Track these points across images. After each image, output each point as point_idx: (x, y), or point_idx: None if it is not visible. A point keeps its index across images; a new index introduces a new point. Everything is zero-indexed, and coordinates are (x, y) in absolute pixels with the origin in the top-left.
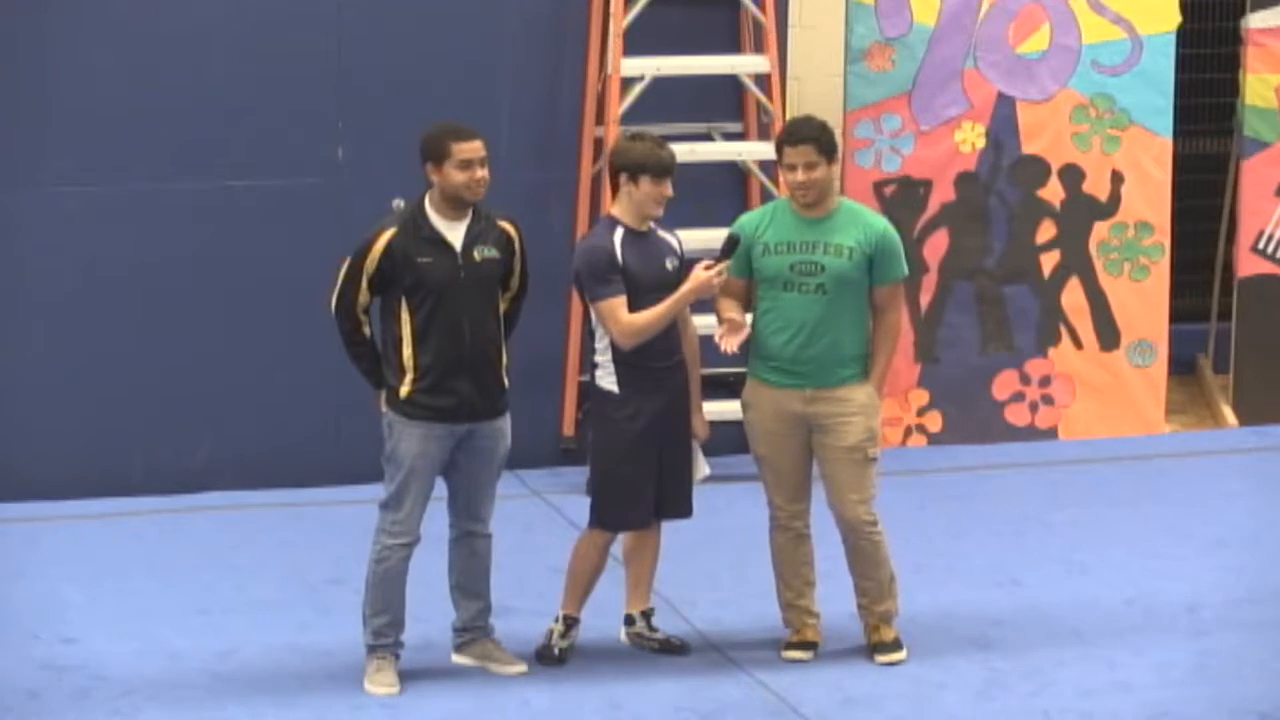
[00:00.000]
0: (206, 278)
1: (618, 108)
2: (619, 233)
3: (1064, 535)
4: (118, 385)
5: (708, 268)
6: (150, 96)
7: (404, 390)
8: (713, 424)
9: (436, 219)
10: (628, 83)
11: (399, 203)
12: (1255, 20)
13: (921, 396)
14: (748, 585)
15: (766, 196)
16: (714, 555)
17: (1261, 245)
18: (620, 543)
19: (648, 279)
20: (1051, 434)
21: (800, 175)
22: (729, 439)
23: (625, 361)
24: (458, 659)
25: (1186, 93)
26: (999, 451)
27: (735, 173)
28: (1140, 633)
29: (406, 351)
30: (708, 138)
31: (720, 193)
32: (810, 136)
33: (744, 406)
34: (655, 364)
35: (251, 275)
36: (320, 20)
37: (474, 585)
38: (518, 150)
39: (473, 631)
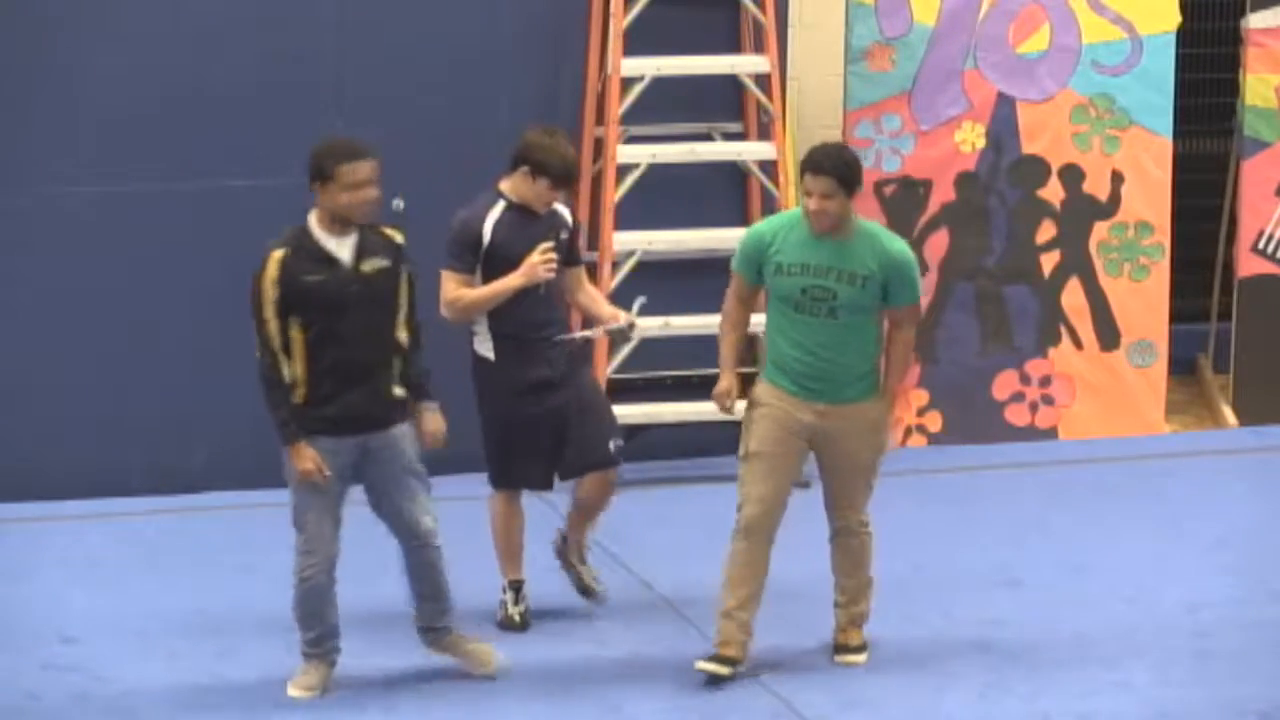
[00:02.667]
0: (206, 277)
1: (618, 108)
2: (498, 208)
3: (1064, 535)
4: (118, 385)
5: (544, 252)
6: (150, 96)
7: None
8: (712, 424)
9: (323, 235)
10: (628, 83)
11: (399, 203)
12: (1255, 20)
13: (921, 396)
14: None
15: (766, 197)
16: (714, 556)
17: (1261, 245)
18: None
19: (528, 252)
20: (1051, 434)
21: (814, 204)
22: (728, 440)
23: (500, 332)
24: (431, 652)
25: (1186, 93)
26: (999, 451)
27: (735, 173)
28: (1140, 633)
29: (299, 367)
30: (708, 138)
31: (720, 193)
32: (832, 171)
33: (752, 403)
34: (531, 335)
35: (250, 275)
36: (320, 20)
37: (426, 589)
38: None
39: (437, 631)
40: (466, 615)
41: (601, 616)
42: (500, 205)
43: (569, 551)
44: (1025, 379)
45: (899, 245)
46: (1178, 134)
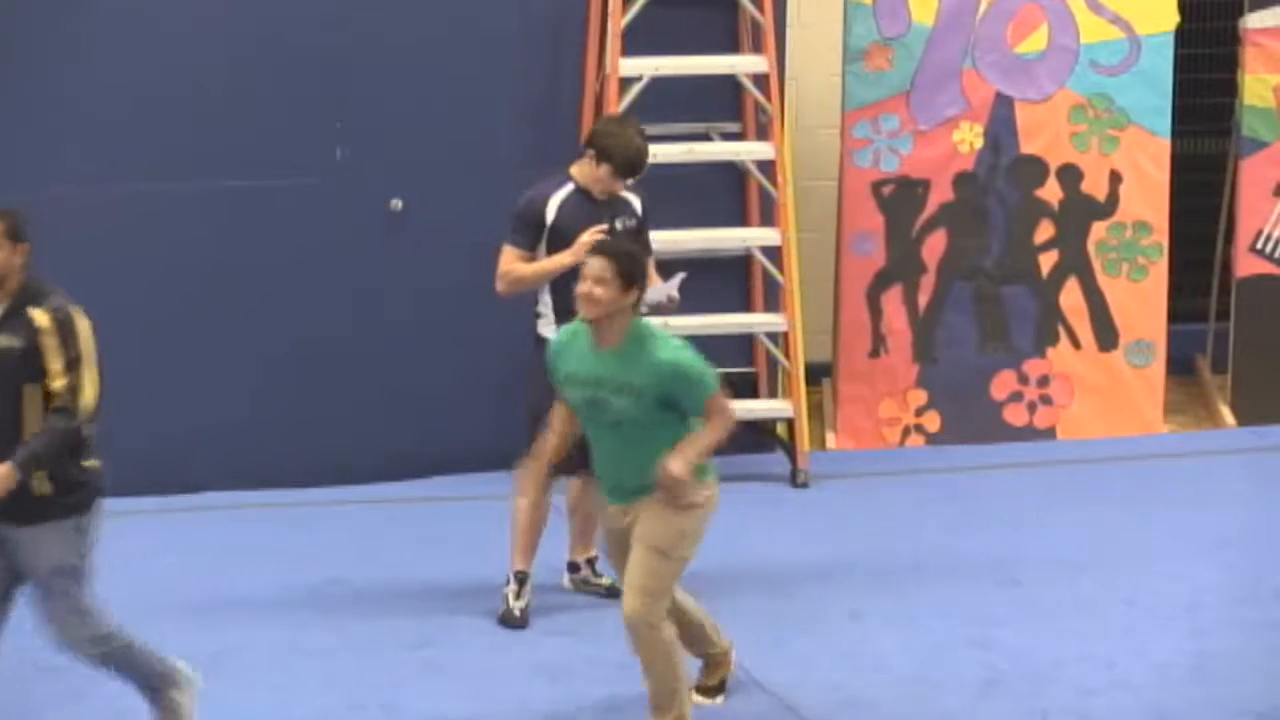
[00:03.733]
0: (206, 277)
1: (616, 108)
2: (565, 190)
3: (1063, 535)
4: (117, 385)
5: (594, 233)
6: (151, 96)
7: None
8: None
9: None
10: (626, 83)
11: (398, 203)
12: (1253, 20)
13: (920, 396)
14: (747, 585)
15: (765, 197)
16: (713, 555)
17: (1260, 245)
18: (564, 497)
19: None
20: (1050, 434)
21: (585, 286)
22: (728, 439)
23: (563, 311)
24: None
25: (1185, 92)
26: (997, 451)
27: (734, 173)
28: (1139, 633)
29: None
30: (706, 138)
31: (718, 193)
32: (611, 255)
33: None
34: None
35: (250, 275)
36: (320, 20)
37: None
38: (517, 150)
39: None
40: (465, 612)
41: (601, 616)
42: (568, 187)
43: (583, 574)
44: (1023, 379)
45: (669, 351)
46: (1176, 134)
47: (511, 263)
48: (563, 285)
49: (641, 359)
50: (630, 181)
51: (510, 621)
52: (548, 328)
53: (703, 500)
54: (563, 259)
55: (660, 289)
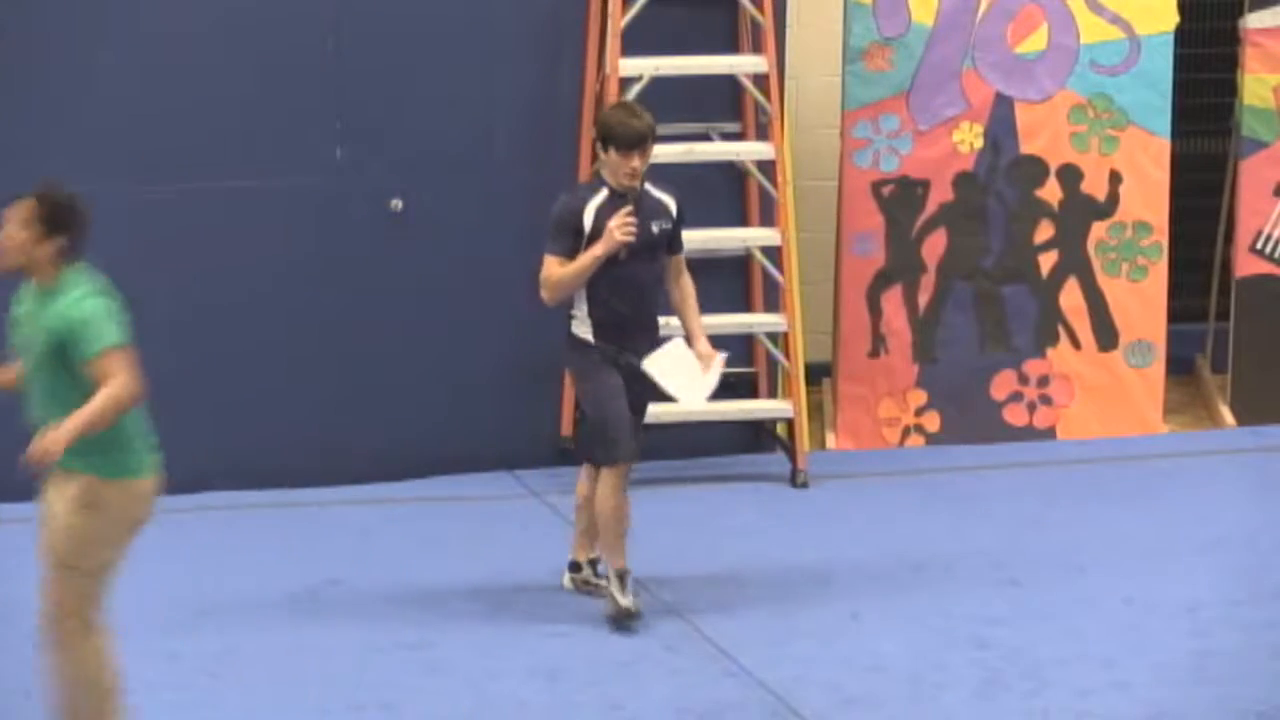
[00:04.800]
0: (205, 277)
1: None
2: (600, 195)
3: (1063, 535)
4: None
5: (621, 217)
6: (151, 96)
7: None
8: (713, 424)
9: None
10: (626, 83)
11: (398, 203)
12: (1253, 20)
13: (919, 396)
14: (747, 585)
15: (764, 196)
16: (714, 555)
17: (1260, 245)
18: (575, 494)
19: (631, 240)
20: (1050, 434)
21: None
22: (728, 439)
23: (598, 317)
24: None
25: (1185, 93)
26: (997, 451)
27: (733, 173)
28: (1139, 632)
29: None
30: (706, 138)
31: (718, 193)
32: (36, 194)
33: None
34: (627, 325)
35: (250, 275)
36: (319, 20)
37: None
38: (515, 150)
39: None
40: (465, 613)
41: (602, 617)
42: (602, 193)
43: (584, 573)
44: (1023, 379)
45: (77, 296)
46: (1176, 134)
47: (553, 269)
48: (595, 286)
49: (57, 301)
50: (641, 152)
51: (630, 617)
52: (582, 328)
53: (107, 500)
54: (595, 251)
55: (712, 364)
